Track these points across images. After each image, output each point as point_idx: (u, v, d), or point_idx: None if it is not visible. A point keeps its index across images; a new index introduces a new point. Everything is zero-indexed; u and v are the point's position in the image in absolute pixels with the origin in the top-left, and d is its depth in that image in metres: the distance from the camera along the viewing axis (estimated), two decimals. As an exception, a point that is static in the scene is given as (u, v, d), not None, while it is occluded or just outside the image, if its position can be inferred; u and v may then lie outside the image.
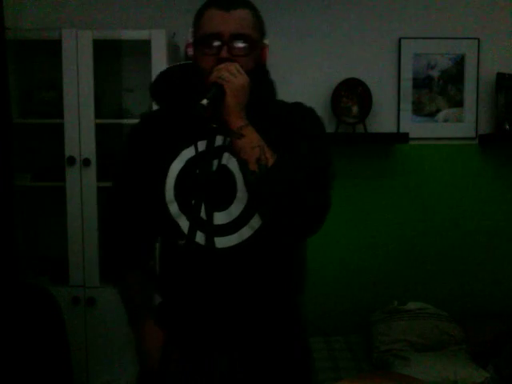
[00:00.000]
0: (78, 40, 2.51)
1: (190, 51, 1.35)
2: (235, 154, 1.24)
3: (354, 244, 2.91)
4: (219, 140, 1.29)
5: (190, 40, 1.34)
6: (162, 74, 1.39)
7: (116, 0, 2.80)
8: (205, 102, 1.18)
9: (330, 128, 2.81)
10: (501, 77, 2.80)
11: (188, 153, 1.30)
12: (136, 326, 1.41)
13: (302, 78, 2.85)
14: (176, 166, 1.30)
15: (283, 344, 1.35)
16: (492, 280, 2.93)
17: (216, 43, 1.25)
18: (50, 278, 2.65)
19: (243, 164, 1.21)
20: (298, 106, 1.39)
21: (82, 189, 2.55)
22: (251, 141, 1.20)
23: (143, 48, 2.53)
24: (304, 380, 1.40)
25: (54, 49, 2.53)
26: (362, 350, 2.66)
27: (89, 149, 2.55)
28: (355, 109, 2.80)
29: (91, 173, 2.55)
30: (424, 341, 2.54)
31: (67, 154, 2.54)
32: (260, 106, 1.30)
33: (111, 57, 2.76)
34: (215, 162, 1.28)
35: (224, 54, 1.25)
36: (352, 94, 2.79)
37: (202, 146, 1.30)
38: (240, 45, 1.26)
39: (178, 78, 1.36)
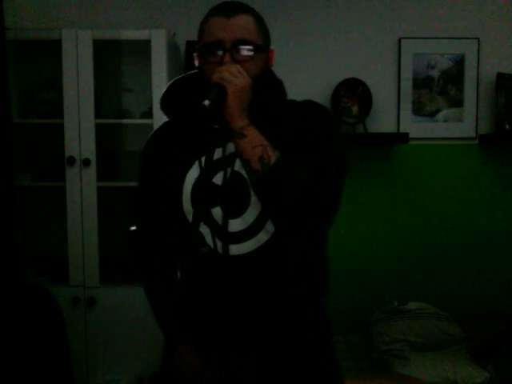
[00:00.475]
0: (77, 40, 2.51)
1: (197, 62, 1.34)
2: (238, 154, 1.24)
3: (353, 244, 2.91)
4: (232, 147, 1.27)
5: (197, 52, 1.34)
6: (170, 87, 1.40)
7: (116, 0, 2.80)
8: (207, 102, 1.18)
9: (329, 128, 2.81)
10: (501, 77, 2.80)
11: (203, 162, 1.30)
12: (173, 347, 1.40)
13: (302, 78, 2.85)
14: (191, 175, 1.30)
15: (305, 347, 1.34)
16: (492, 280, 2.93)
17: (218, 51, 1.25)
18: (49, 277, 2.65)
19: (246, 163, 1.21)
20: (308, 103, 1.38)
21: (82, 189, 2.55)
22: (253, 140, 1.20)
23: (143, 48, 2.53)
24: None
25: (54, 49, 2.53)
26: (362, 350, 2.66)
27: (89, 149, 2.55)
28: (355, 109, 2.80)
29: (91, 173, 2.55)
30: (424, 341, 2.55)
31: (67, 154, 2.54)
32: (270, 108, 1.30)
33: (111, 57, 2.77)
34: (229, 170, 1.28)
35: (226, 61, 1.24)
36: (352, 94, 2.79)
37: (217, 153, 1.30)
38: (242, 51, 1.26)
39: (185, 89, 1.37)
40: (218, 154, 1.30)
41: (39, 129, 2.76)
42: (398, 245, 2.92)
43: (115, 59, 2.78)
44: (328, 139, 1.30)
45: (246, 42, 1.26)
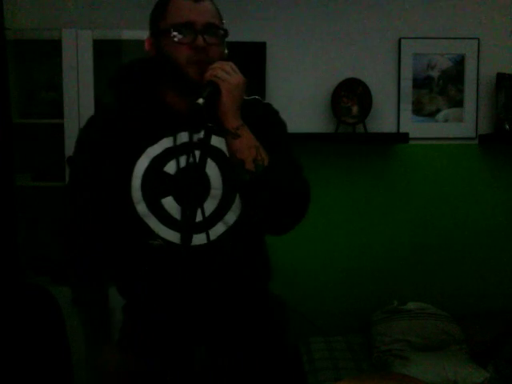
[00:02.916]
0: (77, 40, 2.51)
1: (148, 46, 1.32)
2: (208, 149, 1.24)
3: (354, 244, 2.91)
4: (184, 137, 1.27)
5: (148, 36, 1.31)
6: (125, 71, 1.38)
7: (116, 0, 2.80)
8: (201, 101, 1.17)
9: (330, 128, 2.82)
10: (501, 77, 2.80)
11: (153, 150, 1.28)
12: (95, 348, 1.41)
13: (302, 78, 2.85)
14: (141, 165, 1.27)
15: (262, 332, 1.37)
16: (492, 280, 2.93)
17: (190, 32, 1.23)
18: (50, 278, 2.65)
19: (239, 164, 1.21)
20: (256, 101, 1.38)
21: (82, 189, 2.55)
22: (248, 141, 1.20)
23: (143, 48, 2.53)
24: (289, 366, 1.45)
25: (54, 49, 2.53)
26: (362, 350, 2.66)
27: (89, 149, 2.55)
28: (355, 109, 2.80)
29: (91, 173, 2.55)
30: (424, 341, 2.54)
31: (67, 154, 2.54)
32: None
33: (111, 57, 2.76)
34: (182, 160, 1.27)
35: (200, 41, 1.23)
36: (352, 94, 2.79)
37: (167, 143, 1.28)
38: (213, 34, 1.26)
39: (143, 74, 1.35)
40: (168, 143, 1.28)
41: (39, 129, 2.76)
42: (398, 245, 2.91)
43: (115, 59, 2.78)
44: (287, 139, 1.35)
45: (215, 26, 1.26)
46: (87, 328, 1.43)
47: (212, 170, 1.28)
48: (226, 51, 1.31)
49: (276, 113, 1.39)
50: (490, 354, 2.49)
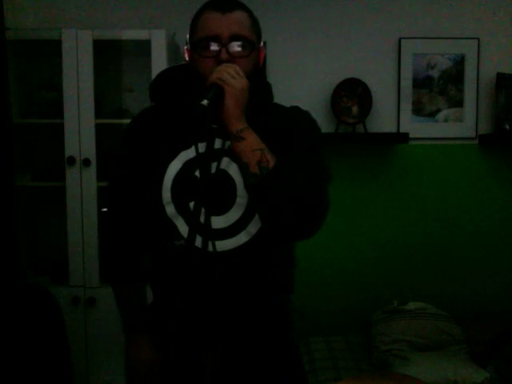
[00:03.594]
0: (77, 40, 2.51)
1: (187, 57, 1.34)
2: (235, 156, 1.24)
3: (354, 244, 2.91)
4: (218, 143, 1.29)
5: (186, 46, 1.34)
6: (162, 75, 1.40)
7: (116, 0, 2.80)
8: (205, 102, 1.18)
9: (330, 128, 2.81)
10: (501, 77, 2.80)
11: (186, 154, 1.30)
12: (129, 337, 1.43)
13: (302, 78, 2.85)
14: (174, 167, 1.30)
15: (273, 341, 1.37)
16: (492, 280, 2.93)
17: (214, 45, 1.25)
18: (50, 278, 2.65)
19: (244, 167, 1.21)
20: (295, 109, 1.40)
21: (82, 189, 2.56)
22: (251, 144, 1.20)
23: (143, 48, 2.54)
24: (297, 373, 1.43)
25: (54, 49, 2.53)
26: (361, 350, 2.66)
27: (89, 149, 2.55)
28: (355, 109, 2.80)
29: (91, 173, 2.55)
30: (424, 341, 2.54)
31: (67, 154, 2.55)
32: (258, 110, 1.30)
33: (111, 57, 2.76)
34: (214, 166, 1.29)
35: (223, 55, 1.24)
36: (352, 94, 2.79)
37: (201, 148, 1.30)
38: (239, 47, 1.26)
39: (178, 79, 1.37)
40: (201, 148, 1.30)
41: (39, 129, 2.76)
42: (398, 245, 2.92)
43: (115, 59, 2.78)
44: (315, 147, 1.33)
45: (241, 38, 1.27)
46: (123, 314, 1.43)
47: (236, 174, 1.28)
48: (261, 60, 1.33)
49: (311, 121, 1.37)
50: (490, 354, 2.49)
